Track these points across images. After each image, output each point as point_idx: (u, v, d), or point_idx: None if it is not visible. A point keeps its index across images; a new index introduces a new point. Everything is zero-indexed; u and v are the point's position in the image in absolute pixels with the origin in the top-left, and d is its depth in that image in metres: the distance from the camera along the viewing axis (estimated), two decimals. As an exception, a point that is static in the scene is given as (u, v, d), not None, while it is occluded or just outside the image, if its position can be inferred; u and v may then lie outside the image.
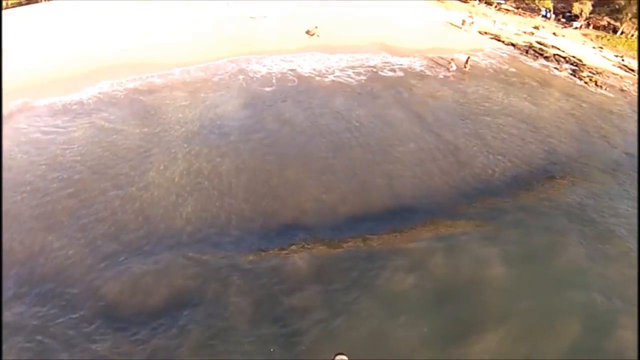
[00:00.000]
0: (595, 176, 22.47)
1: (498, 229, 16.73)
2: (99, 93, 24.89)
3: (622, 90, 41.72)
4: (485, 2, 60.44)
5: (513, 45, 46.40)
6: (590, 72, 43.65)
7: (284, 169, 18.94)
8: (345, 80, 29.47)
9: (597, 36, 57.09)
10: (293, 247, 14.97)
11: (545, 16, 60.67)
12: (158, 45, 31.34)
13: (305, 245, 14.98)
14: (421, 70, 33.75)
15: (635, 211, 19.10)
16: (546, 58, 44.89)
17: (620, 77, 46.01)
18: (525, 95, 32.62)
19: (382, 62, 34.17)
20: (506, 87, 33.75)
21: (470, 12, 53.74)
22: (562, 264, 15.42)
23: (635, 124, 32.62)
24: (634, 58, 53.38)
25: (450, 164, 20.95)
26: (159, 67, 28.48)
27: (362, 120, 24.12)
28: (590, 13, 58.45)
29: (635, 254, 16.01)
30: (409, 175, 19.47)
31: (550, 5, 60.37)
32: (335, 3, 45.47)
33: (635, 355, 10.10)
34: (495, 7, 60.23)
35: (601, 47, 53.98)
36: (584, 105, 33.71)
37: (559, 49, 48.92)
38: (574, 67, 43.97)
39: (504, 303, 13.40)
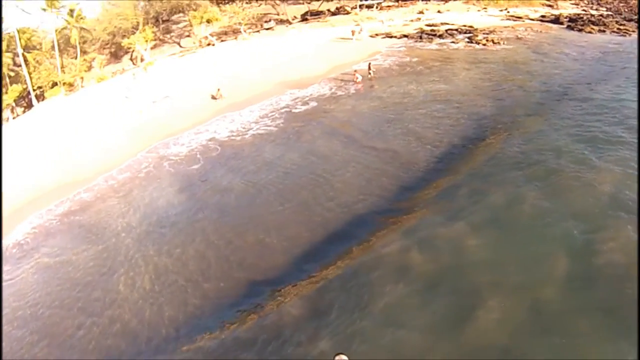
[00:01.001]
0: (525, 123, 23.34)
1: (456, 204, 17.57)
2: (33, 228, 24.28)
3: (518, 38, 44.67)
4: (366, 7, 64.04)
5: (406, 36, 48.37)
6: (484, 34, 46.76)
7: (243, 235, 19.30)
8: (265, 130, 29.41)
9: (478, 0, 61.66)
10: (282, 291, 15.64)
11: (425, -1, 64.95)
12: (74, 159, 30.96)
13: (287, 291, 15.66)
14: (332, 93, 34.60)
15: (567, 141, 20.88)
16: (440, 36, 47.17)
17: (512, 27, 49.62)
18: (435, 78, 33.99)
19: (292, 100, 34.82)
20: (415, 77, 35.05)
21: (356, 21, 56.50)
22: (527, 210, 16.26)
23: (542, 64, 35.79)
24: (517, 6, 57.96)
25: (395, 168, 21.43)
26: (81, 181, 28.07)
27: (296, 161, 24.05)
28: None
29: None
30: (360, 196, 19.78)
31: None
32: (226, 54, 47.18)
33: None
34: (377, 7, 63.85)
35: (485, 8, 58.12)
36: (491, 65, 35.83)
37: (448, 23, 52.29)
38: (469, 35, 46.58)
39: (490, 270, 13.84)
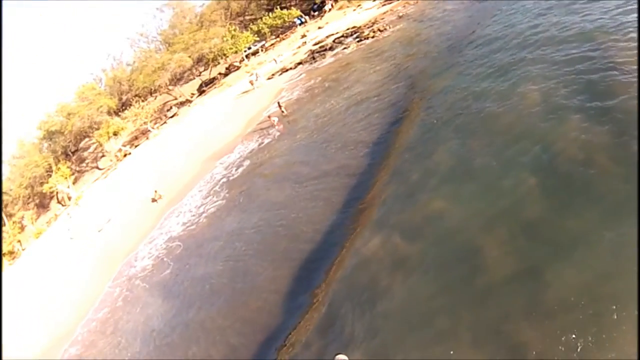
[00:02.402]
0: (438, 83, 24.22)
1: (411, 178, 18.39)
2: None
3: (400, 17, 46.82)
4: (252, 54, 65.59)
5: (300, 63, 49.67)
6: (369, 28, 48.69)
7: (241, 311, 19.04)
8: (215, 207, 29.31)
9: (349, 1, 64.01)
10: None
11: (302, 23, 66.97)
12: (47, 318, 30.34)
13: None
14: (259, 145, 34.91)
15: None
16: (331, 49, 48.68)
17: (391, 10, 51.81)
18: (345, 86, 34.96)
19: (225, 168, 35.12)
20: (327, 93, 36.01)
21: (249, 72, 58.04)
22: (475, 153, 16.40)
23: (432, 27, 37.30)
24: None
25: (349, 177, 21.18)
26: (63, 337, 27.32)
27: (259, 220, 23.86)
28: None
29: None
30: (331, 215, 20.07)
31: (298, 12, 66.87)
32: (146, 155, 47.36)
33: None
34: (262, 50, 65.54)
35: (359, 5, 60.59)
36: (389, 51, 37.28)
37: (333, 34, 54.18)
38: (356, 35, 48.27)
39: (472, 214, 14.00)
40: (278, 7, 67.10)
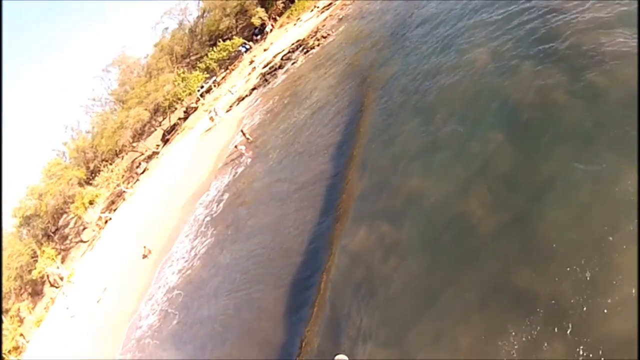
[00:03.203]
0: (388, 70, 25.47)
1: (381, 165, 18.81)
2: None
3: (341, 19, 48.00)
4: (206, 92, 66.03)
5: (254, 88, 50.41)
6: (312, 37, 49.73)
7: (256, 340, 19.34)
8: (206, 246, 29.48)
9: (288, 17, 65.02)
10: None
11: (247, 49, 67.74)
12: None
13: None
14: (233, 177, 35.28)
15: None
16: (280, 67, 49.72)
17: (330, 15, 52.81)
18: (304, 97, 35.66)
19: (205, 207, 35.30)
20: (287, 111, 36.51)
21: (207, 109, 58.32)
22: (438, 123, 17.72)
23: (374, 21, 38.15)
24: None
25: (329, 180, 22.07)
26: None
27: (253, 246, 24.10)
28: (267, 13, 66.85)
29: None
30: (319, 220, 21.31)
31: (241, 40, 67.64)
32: (126, 216, 47.36)
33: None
34: (214, 85, 66.04)
35: (299, 19, 61.54)
36: (338, 54, 38.12)
37: (279, 53, 55.08)
38: (302, 48, 49.45)
39: (452, 178, 14.89)
40: (220, 40, 67.69)
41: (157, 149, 66.63)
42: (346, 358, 10.28)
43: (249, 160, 34.96)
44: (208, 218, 33.35)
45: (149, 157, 66.96)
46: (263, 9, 68.45)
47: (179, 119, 67.95)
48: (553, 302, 9.76)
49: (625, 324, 8.58)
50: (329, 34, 45.56)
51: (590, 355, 8.61)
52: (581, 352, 8.66)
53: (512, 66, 16.82)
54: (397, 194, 16.85)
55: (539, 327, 9.59)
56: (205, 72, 65.05)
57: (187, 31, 79.52)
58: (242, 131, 38.63)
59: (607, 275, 9.41)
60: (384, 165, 18.71)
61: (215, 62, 65.10)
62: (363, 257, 15.89)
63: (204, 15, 77.94)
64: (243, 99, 50.44)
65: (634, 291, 8.88)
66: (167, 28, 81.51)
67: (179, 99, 63.84)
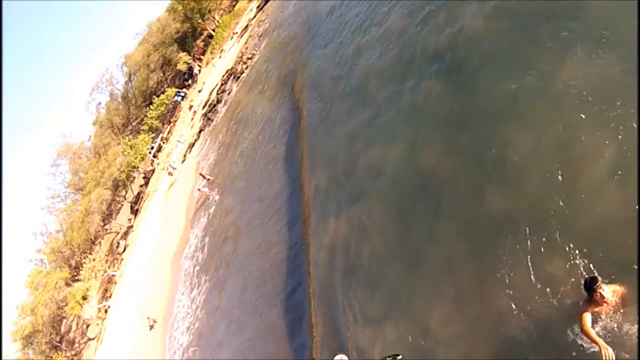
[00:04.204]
0: (313, 65, 27.21)
1: (329, 152, 19.90)
2: None
3: (262, 35, 49.07)
4: (157, 151, 66.31)
5: (201, 131, 51.28)
6: (239, 63, 50.63)
7: None
8: (203, 297, 29.27)
9: (212, 52, 65.93)
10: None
11: (183, 97, 68.39)
12: None
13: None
14: (207, 220, 35.72)
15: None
16: (219, 102, 50.22)
17: (250, 36, 53.80)
18: (249, 121, 36.55)
19: (191, 260, 35.53)
20: (238, 138, 37.40)
21: (163, 167, 58.76)
22: (372, 93, 18.89)
23: (296, 25, 38.82)
24: (237, 23, 62.56)
25: (294, 185, 23.37)
26: None
27: (251, 283, 23.43)
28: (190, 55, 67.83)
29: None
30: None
31: (174, 90, 68.28)
32: (120, 299, 47.45)
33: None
34: (162, 142, 66.40)
35: (222, 50, 62.48)
36: (267, 68, 39.34)
37: (213, 89, 55.79)
38: (232, 76, 50.53)
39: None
40: (154, 96, 68.21)
41: (130, 222, 66.53)
42: (346, 358, 10.64)
43: (217, 200, 35.46)
44: (197, 267, 33.70)
45: (125, 234, 66.77)
46: (185, 53, 69.37)
47: (141, 186, 68.08)
48: (533, 213, 10.23)
49: (609, 204, 9.10)
50: (253, 54, 46.53)
51: (589, 251, 8.97)
52: (578, 253, 9.02)
53: (423, 20, 17.86)
54: (353, 174, 17.66)
55: (529, 243, 9.97)
56: (151, 133, 65.42)
57: (120, 100, 79.88)
58: (200, 174, 39.19)
59: (576, 169, 9.91)
60: (333, 152, 19.53)
61: (156, 119, 65.55)
62: (339, 245, 16.63)
63: (131, 78, 78.40)
64: (193, 144, 51.03)
65: (605, 173, 9.34)
66: (99, 103, 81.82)
67: (134, 167, 64.04)
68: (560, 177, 10.04)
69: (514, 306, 9.80)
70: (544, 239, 9.80)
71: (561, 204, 9.78)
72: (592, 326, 7.97)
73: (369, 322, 13.87)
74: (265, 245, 23.51)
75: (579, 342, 8.29)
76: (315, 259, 18.05)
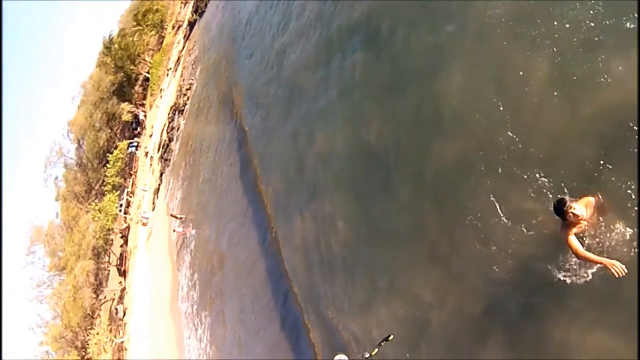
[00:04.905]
0: (244, 77, 28.03)
1: (277, 154, 20.70)
2: None
3: (194, 64, 50.16)
4: (127, 206, 66.23)
5: (161, 174, 52.00)
6: (180, 96, 51.18)
7: None
8: (208, 333, 29.74)
9: (152, 95, 66.31)
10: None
11: (136, 146, 68.63)
12: None
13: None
14: (191, 256, 35.70)
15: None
16: (171, 141, 50.71)
17: (184, 67, 54.46)
18: (202, 150, 37.30)
19: (187, 302, 35.41)
20: (197, 167, 37.96)
21: (137, 221, 58.83)
22: (307, 87, 19.49)
23: (219, 44, 39.91)
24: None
25: (258, 197, 24.12)
26: None
27: (249, 306, 23.60)
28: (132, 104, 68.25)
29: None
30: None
31: (126, 142, 68.49)
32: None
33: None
34: (128, 196, 66.40)
35: (161, 90, 62.88)
36: (207, 93, 40.51)
37: (162, 130, 56.09)
38: (176, 111, 50.92)
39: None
40: (108, 154, 68.28)
41: (122, 285, 66.43)
42: (346, 358, 10.62)
43: (194, 235, 35.93)
44: (195, 306, 34.06)
45: (121, 298, 66.58)
46: (127, 103, 69.57)
47: (121, 246, 67.96)
48: (484, 152, 10.43)
49: (556, 120, 9.19)
50: (191, 83, 47.12)
51: (549, 173, 8.94)
52: (539, 178, 9.03)
53: (336, 5, 18.44)
54: (304, 169, 18.27)
55: (488, 183, 10.16)
56: (115, 191, 65.44)
57: (76, 168, 79.50)
58: (172, 215, 39.67)
59: (514, 95, 10.10)
60: (280, 155, 20.20)
61: (116, 177, 65.59)
62: (310, 243, 17.16)
63: (81, 143, 78.17)
64: (158, 189, 51.37)
65: (544, 91, 9.42)
66: (56, 178, 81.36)
67: (108, 229, 63.98)
68: (501, 108, 10.22)
69: (492, 250, 9.86)
70: (502, 175, 9.95)
71: (509, 134, 9.88)
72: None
73: (357, 310, 14.24)
74: (249, 262, 24.05)
75: (568, 273, 8.21)
76: (290, 264, 18.61)
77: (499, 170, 9.96)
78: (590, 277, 7.89)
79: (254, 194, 23.73)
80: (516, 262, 9.43)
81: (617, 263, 6.88)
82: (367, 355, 10.80)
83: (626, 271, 6.83)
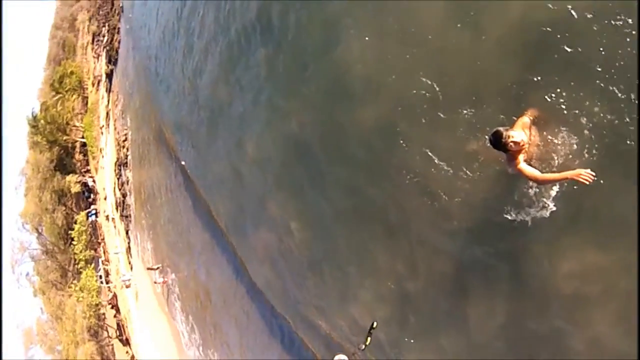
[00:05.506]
0: (166, 109, 28.90)
1: (216, 173, 21.64)
2: None
3: (122, 112, 51.51)
4: (105, 276, 65.99)
5: (127, 232, 52.61)
6: (119, 149, 51.56)
7: None
8: None
9: (94, 158, 66.30)
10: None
11: (95, 213, 68.57)
12: None
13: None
14: (181, 302, 36.01)
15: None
16: (125, 196, 51.39)
17: (114, 120, 54.92)
18: (155, 194, 37.71)
19: (192, 347, 35.43)
20: (156, 216, 38.45)
21: (122, 286, 58.92)
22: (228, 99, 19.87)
23: (137, 80, 40.58)
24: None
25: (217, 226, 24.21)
26: None
27: (243, 326, 24.34)
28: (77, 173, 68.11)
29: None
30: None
31: (83, 214, 68.31)
32: None
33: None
34: (104, 264, 66.26)
35: (101, 150, 62.93)
36: (142, 137, 41.03)
37: (114, 188, 56.38)
38: (120, 165, 51.48)
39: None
40: (70, 231, 68.00)
41: (129, 354, 66.37)
42: (346, 358, 10.71)
43: (173, 276, 36.55)
44: (200, 348, 34.56)
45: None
46: (71, 174, 69.27)
47: (115, 316, 67.90)
48: (403, 107, 10.52)
49: (467, 52, 9.15)
50: (126, 134, 47.58)
51: (475, 107, 8.94)
52: (467, 115, 9.02)
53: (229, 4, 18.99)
54: (244, 182, 18.84)
55: (416, 136, 10.30)
56: (89, 265, 65.31)
57: (44, 256, 78.88)
58: (148, 269, 40.27)
59: (420, 41, 10.06)
60: (218, 176, 21.20)
61: (85, 251, 65.39)
62: (273, 253, 17.67)
63: (40, 230, 77.56)
64: (129, 247, 51.79)
65: (449, 27, 9.34)
66: (27, 274, 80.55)
67: (96, 305, 63.81)
68: (407, 57, 10.28)
69: (443, 203, 9.82)
70: (427, 124, 9.91)
71: (423, 81, 9.80)
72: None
73: (337, 304, 14.55)
74: (230, 286, 24.51)
75: (529, 208, 8.11)
76: (260, 278, 19.30)
77: (423, 121, 10.02)
78: (553, 203, 7.83)
79: (211, 220, 24.31)
80: (472, 209, 9.44)
81: (582, 170, 6.70)
82: (363, 347, 11.09)
83: (594, 174, 6.62)
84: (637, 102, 6.87)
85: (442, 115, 9.51)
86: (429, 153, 9.84)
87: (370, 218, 12.45)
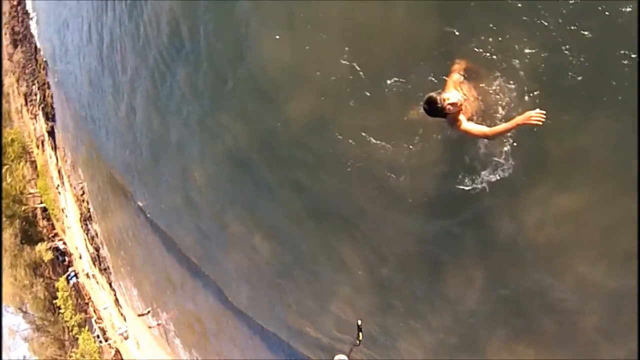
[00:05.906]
0: (109, 156, 29.32)
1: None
2: None
3: (72, 164, 51.76)
4: (102, 334, 65.60)
5: (110, 284, 52.71)
6: (80, 203, 51.60)
7: None
8: None
9: (58, 220, 65.83)
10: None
11: (75, 276, 68.00)
12: None
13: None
14: (180, 337, 35.39)
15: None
16: (98, 250, 51.67)
17: (67, 175, 54.83)
18: (128, 241, 37.14)
19: None
20: (133, 264, 38.97)
21: (122, 339, 58.57)
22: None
23: (84, 138, 40.18)
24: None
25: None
26: None
27: (237, 340, 25.27)
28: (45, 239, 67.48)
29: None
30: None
31: (63, 279, 67.78)
32: None
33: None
34: (96, 322, 65.75)
35: (63, 209, 62.38)
36: (97, 186, 40.79)
37: (85, 241, 56.23)
38: (85, 219, 51.75)
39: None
40: (54, 301, 67.36)
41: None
42: (346, 358, 10.68)
43: (164, 315, 36.79)
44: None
45: None
46: (39, 243, 68.54)
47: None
48: (326, 88, 10.60)
49: (389, 22, 9.11)
50: (82, 187, 47.32)
51: (402, 75, 8.88)
52: (397, 85, 8.99)
53: (137, 27, 19.23)
54: (200, 209, 19.41)
55: (346, 121, 10.43)
56: (83, 328, 64.85)
57: (35, 335, 77.99)
58: (139, 315, 40.62)
59: (326, 21, 10.25)
60: (174, 207, 21.93)
61: (74, 315, 64.85)
62: (245, 271, 18.23)
63: (25, 309, 76.79)
64: (117, 299, 51.73)
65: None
66: (24, 357, 79.77)
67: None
68: (320, 44, 10.38)
69: (392, 182, 9.86)
70: (356, 106, 9.94)
71: (342, 63, 9.81)
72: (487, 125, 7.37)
73: (318, 307, 14.93)
74: (218, 310, 24.84)
75: (484, 172, 8.08)
76: (240, 300, 19.74)
77: (351, 104, 10.05)
78: (507, 160, 7.82)
79: (181, 251, 24.62)
80: (424, 184, 9.41)
81: (532, 112, 6.47)
82: (358, 342, 10.94)
83: (544, 112, 6.40)
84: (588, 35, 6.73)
85: (368, 94, 9.57)
86: (364, 135, 9.90)
87: (324, 214, 12.61)
